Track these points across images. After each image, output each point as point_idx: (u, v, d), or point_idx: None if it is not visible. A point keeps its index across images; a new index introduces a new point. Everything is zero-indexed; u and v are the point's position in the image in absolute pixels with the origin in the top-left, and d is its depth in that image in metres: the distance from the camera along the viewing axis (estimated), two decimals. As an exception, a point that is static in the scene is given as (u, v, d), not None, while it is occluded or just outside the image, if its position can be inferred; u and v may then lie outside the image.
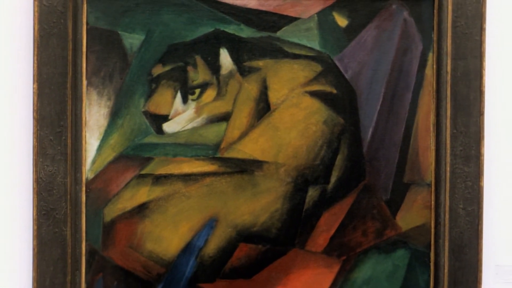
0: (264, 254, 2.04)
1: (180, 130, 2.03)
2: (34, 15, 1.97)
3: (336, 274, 2.05)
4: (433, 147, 2.04)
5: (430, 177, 2.05)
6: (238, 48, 2.02)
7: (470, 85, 2.02)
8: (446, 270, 2.04)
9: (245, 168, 2.04)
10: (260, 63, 2.03)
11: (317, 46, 2.03)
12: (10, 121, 2.03)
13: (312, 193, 2.04)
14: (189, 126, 2.03)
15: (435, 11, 2.03)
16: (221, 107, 2.03)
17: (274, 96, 2.03)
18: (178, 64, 2.02)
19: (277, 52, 2.03)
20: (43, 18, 1.98)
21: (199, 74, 2.03)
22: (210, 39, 2.02)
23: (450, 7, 2.01)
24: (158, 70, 2.02)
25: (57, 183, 1.99)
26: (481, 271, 2.03)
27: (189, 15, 2.02)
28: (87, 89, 2.02)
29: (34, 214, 1.98)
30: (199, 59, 2.02)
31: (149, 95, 2.03)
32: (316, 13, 2.03)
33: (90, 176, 2.02)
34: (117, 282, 2.02)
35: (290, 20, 2.03)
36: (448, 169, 2.03)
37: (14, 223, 2.03)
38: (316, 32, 2.03)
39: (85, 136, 2.01)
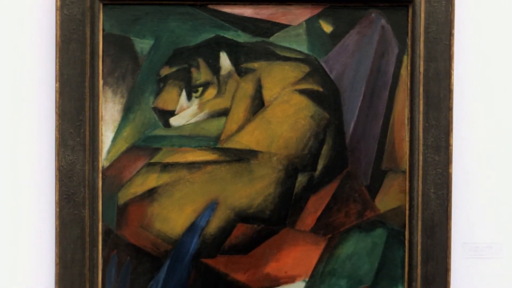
0: (259, 233, 2.09)
1: (185, 124, 2.07)
2: (56, 22, 2.03)
3: (323, 250, 2.10)
4: (407, 138, 2.09)
5: (405, 165, 2.09)
6: (236, 52, 2.07)
7: (440, 84, 2.07)
8: (419, 247, 2.08)
9: (242, 157, 2.08)
10: (255, 64, 2.08)
11: (305, 50, 2.08)
12: (35, 116, 2.08)
13: (301, 179, 2.09)
14: (193, 120, 2.08)
15: (409, 18, 2.08)
16: (221, 103, 2.08)
17: (267, 94, 2.08)
18: (183, 65, 2.07)
19: (270, 55, 2.07)
20: (64, 25, 2.03)
21: (201, 74, 2.07)
22: (211, 43, 2.07)
23: (422, 15, 2.06)
24: (165, 71, 2.07)
25: (77, 170, 2.04)
26: (450, 248, 2.08)
27: (193, 22, 2.06)
28: (103, 88, 2.06)
29: (56, 198, 2.04)
30: (201, 61, 2.07)
31: (158, 93, 2.07)
32: (305, 21, 2.08)
33: (106, 164, 2.07)
34: (129, 258, 2.07)
35: (281, 27, 2.07)
36: (421, 158, 2.08)
37: (39, 206, 2.09)
38: (305, 37, 2.08)
39: (101, 129, 2.06)
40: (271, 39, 2.08)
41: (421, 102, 2.08)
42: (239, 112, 2.08)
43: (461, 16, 2.11)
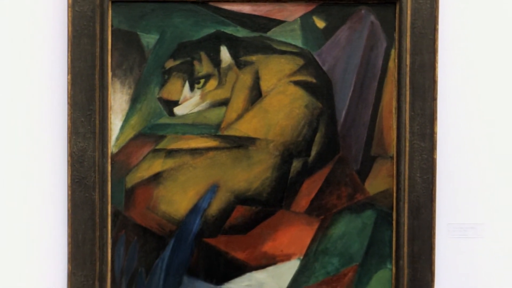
0: (256, 214, 2.12)
1: (188, 113, 2.10)
2: (68, 19, 2.05)
3: (316, 231, 2.13)
4: (395, 126, 2.12)
5: (393, 151, 2.12)
6: (235, 46, 2.09)
7: (425, 76, 2.09)
8: (406, 228, 2.11)
9: (241, 143, 2.11)
10: (253, 58, 2.10)
11: (300, 44, 2.10)
12: (48, 106, 2.10)
13: (296, 164, 2.12)
14: (195, 109, 2.10)
15: (396, 15, 2.10)
16: (222, 94, 2.11)
17: (265, 85, 2.11)
18: (186, 59, 2.09)
19: (267, 49, 2.10)
20: (75, 21, 2.05)
21: (203, 67, 2.10)
22: (212, 38, 2.09)
23: (409, 12, 2.09)
24: (170, 63, 2.09)
25: (87, 156, 2.07)
26: (434, 228, 2.11)
27: (195, 18, 2.08)
28: (112, 79, 2.08)
29: (69, 182, 2.07)
30: (203, 55, 2.10)
31: (163, 84, 2.09)
32: (299, 17, 2.10)
33: (115, 150, 2.09)
34: (136, 237, 2.10)
35: (278, 22, 2.10)
36: (407, 144, 2.10)
37: (52, 189, 2.11)
38: (299, 32, 2.10)
39: (110, 117, 2.08)
40: (268, 34, 2.11)
41: (408, 92, 2.10)
42: (238, 102, 2.11)
43: (445, 12, 2.14)
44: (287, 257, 2.14)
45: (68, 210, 2.09)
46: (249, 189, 2.13)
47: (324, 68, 2.13)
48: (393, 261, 2.14)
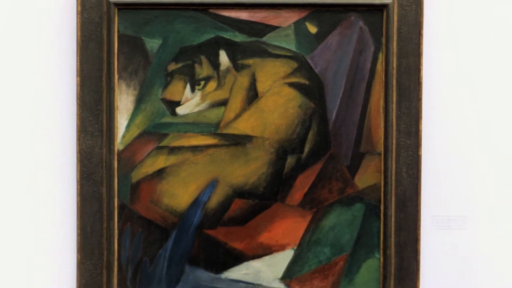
0: (253, 207, 2.15)
1: (189, 113, 2.13)
2: (77, 25, 2.09)
3: (309, 222, 2.16)
4: (382, 124, 2.15)
5: (380, 147, 2.15)
6: (233, 50, 2.13)
7: (411, 78, 2.13)
8: (393, 220, 2.14)
9: (239, 141, 2.14)
10: (250, 61, 2.14)
11: (293, 48, 2.14)
12: (59, 106, 2.15)
13: (290, 160, 2.15)
14: (196, 109, 2.14)
15: (384, 21, 2.13)
16: (221, 95, 2.14)
17: (261, 87, 2.14)
18: (188, 62, 2.13)
19: (263, 52, 2.14)
20: (84, 27, 2.09)
21: (203, 70, 2.13)
22: (211, 43, 2.12)
23: (395, 18, 2.12)
24: (172, 66, 2.12)
25: (95, 153, 2.11)
26: (420, 220, 2.14)
27: (196, 24, 2.12)
28: (118, 81, 2.12)
29: (78, 177, 2.11)
30: (203, 58, 2.13)
31: (165, 86, 2.13)
32: (293, 23, 2.14)
33: (121, 148, 2.13)
34: (141, 229, 2.14)
35: (273, 28, 2.13)
36: (394, 141, 2.13)
37: (63, 184, 2.16)
38: (293, 37, 2.13)
39: (117, 117, 2.12)
40: (264, 39, 2.14)
41: (394, 93, 2.13)
42: (236, 102, 2.14)
43: (429, 18, 2.18)
44: (282, 247, 2.18)
45: (77, 204, 2.13)
46: (246, 184, 2.16)
47: (316, 70, 2.16)
48: (381, 251, 2.18)
